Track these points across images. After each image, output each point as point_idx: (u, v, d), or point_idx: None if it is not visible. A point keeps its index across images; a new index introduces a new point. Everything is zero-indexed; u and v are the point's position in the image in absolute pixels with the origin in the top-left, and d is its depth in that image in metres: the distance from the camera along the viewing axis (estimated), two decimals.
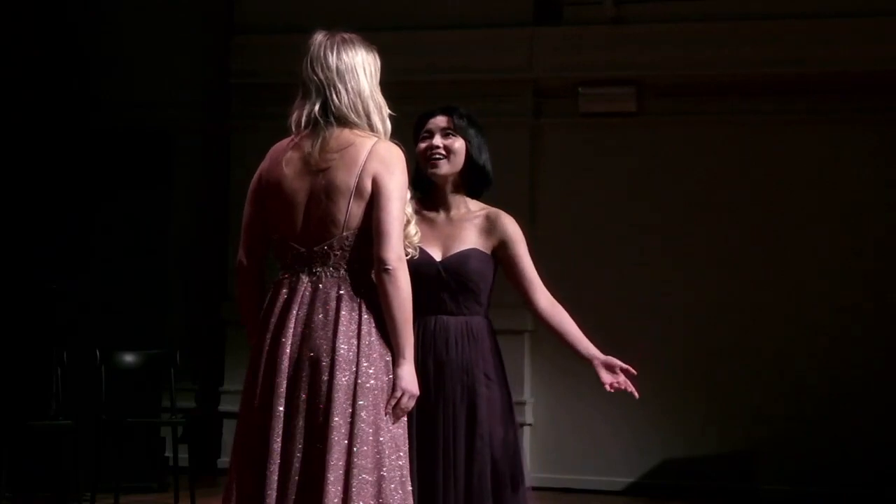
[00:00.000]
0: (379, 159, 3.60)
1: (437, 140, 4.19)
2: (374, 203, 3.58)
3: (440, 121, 4.23)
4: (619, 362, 4.19)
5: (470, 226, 4.23)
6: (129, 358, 8.20)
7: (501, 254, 4.24)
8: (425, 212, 4.23)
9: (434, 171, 4.20)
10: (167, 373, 8.15)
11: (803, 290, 9.02)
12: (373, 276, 3.61)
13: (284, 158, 3.68)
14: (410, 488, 3.64)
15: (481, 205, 4.30)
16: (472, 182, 4.26)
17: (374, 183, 3.58)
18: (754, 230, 9.12)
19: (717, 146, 9.22)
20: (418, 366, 3.87)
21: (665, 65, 9.15)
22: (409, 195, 3.70)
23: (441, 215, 4.24)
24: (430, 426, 4.07)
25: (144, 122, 9.72)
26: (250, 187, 3.76)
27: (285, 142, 3.73)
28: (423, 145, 4.22)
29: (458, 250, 4.18)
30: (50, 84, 9.82)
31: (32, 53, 9.80)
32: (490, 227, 4.24)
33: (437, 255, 4.17)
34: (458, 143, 4.20)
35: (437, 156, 4.19)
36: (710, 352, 9.10)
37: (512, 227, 4.24)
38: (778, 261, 9.08)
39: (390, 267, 3.53)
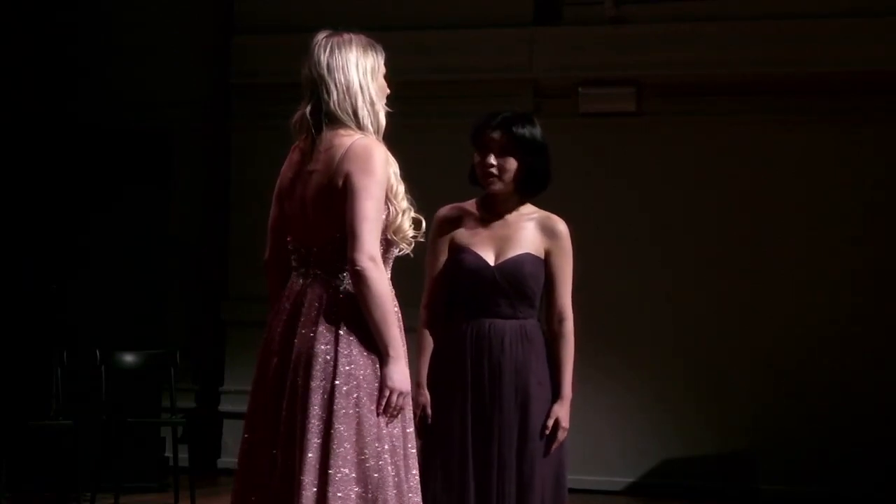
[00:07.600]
0: (352, 158, 3.54)
1: (492, 159, 4.28)
2: (346, 203, 3.53)
3: (496, 136, 4.30)
4: (559, 422, 4.23)
5: (524, 229, 4.34)
6: (129, 358, 8.20)
7: (546, 259, 4.32)
8: (481, 213, 4.34)
9: (489, 188, 4.31)
10: (167, 373, 8.16)
11: (803, 290, 9.02)
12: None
13: (290, 162, 3.71)
14: (412, 493, 3.59)
15: (534, 207, 4.41)
16: (527, 187, 4.36)
17: (346, 182, 3.53)
18: (754, 230, 9.12)
19: (717, 146, 9.21)
20: (473, 368, 4.11)
21: (665, 65, 9.15)
22: (403, 190, 3.62)
23: (495, 217, 4.34)
24: (485, 427, 4.18)
25: (144, 122, 9.71)
26: (275, 188, 3.78)
27: (294, 144, 3.75)
28: (478, 159, 4.30)
29: (513, 254, 4.28)
30: (50, 84, 9.82)
31: (32, 53, 9.80)
32: (543, 231, 4.35)
33: (490, 259, 4.26)
34: (511, 163, 4.29)
35: (492, 175, 4.28)
36: (709, 352, 9.10)
37: (563, 239, 4.35)
38: (778, 260, 9.07)
39: (359, 267, 3.48)
